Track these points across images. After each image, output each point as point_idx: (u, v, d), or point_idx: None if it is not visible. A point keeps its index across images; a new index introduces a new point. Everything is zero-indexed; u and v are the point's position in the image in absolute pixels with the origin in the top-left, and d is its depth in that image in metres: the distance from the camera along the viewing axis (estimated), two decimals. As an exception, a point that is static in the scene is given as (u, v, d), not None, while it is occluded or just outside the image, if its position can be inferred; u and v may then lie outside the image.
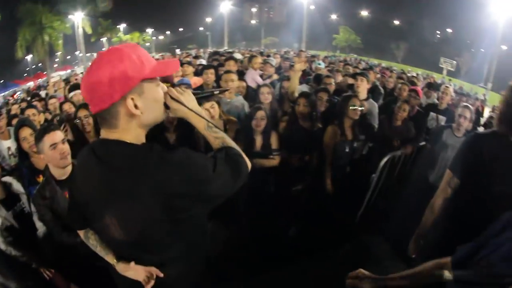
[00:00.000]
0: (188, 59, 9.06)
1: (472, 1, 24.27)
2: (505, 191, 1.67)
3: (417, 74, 17.98)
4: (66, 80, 10.89)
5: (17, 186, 2.58)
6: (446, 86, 5.02)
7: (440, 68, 27.47)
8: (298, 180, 3.59)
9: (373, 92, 5.03)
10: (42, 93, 9.69)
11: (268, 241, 3.38)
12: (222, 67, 5.32)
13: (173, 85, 1.64)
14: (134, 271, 1.31)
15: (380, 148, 4.06)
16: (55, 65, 31.98)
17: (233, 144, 1.36)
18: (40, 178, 2.73)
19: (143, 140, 1.24)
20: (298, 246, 3.44)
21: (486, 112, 13.72)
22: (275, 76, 5.40)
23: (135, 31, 39.67)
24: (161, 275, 1.29)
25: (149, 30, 42.98)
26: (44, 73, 27.56)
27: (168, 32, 48.17)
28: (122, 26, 38.86)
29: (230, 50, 18.04)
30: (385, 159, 3.84)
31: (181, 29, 49.92)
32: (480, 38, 27.15)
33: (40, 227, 2.47)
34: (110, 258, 1.38)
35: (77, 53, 31.41)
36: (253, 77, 5.18)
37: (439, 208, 2.13)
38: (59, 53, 29.03)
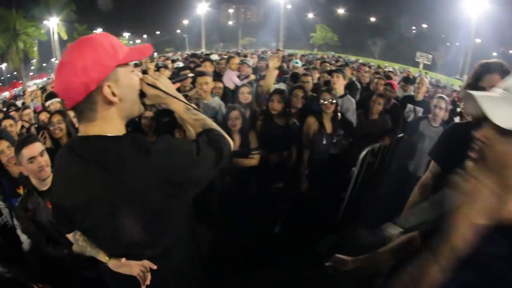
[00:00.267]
0: (168, 61, 8.98)
1: (446, -3, 25.18)
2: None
3: (394, 69, 18.25)
4: (43, 89, 10.61)
5: None
6: (422, 78, 5.14)
7: (417, 63, 28.03)
8: (278, 178, 3.60)
9: (350, 88, 5.08)
10: (19, 103, 9.44)
11: (254, 241, 3.36)
12: (200, 67, 5.28)
13: None
14: (127, 266, 1.28)
15: (359, 142, 4.10)
16: (31, 73, 31.23)
17: (214, 125, 1.37)
18: (21, 190, 2.68)
19: (124, 131, 1.21)
20: (284, 244, 3.44)
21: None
22: (252, 76, 5.40)
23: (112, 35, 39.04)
24: (155, 267, 1.27)
25: (126, 34, 42.38)
26: (20, 82, 26.70)
27: (145, 36, 47.47)
28: (98, 31, 38.31)
29: (208, 52, 17.95)
30: (364, 152, 3.90)
31: (158, 32, 49.35)
32: (455, 33, 28.01)
33: (25, 240, 2.39)
34: (102, 257, 1.34)
35: (53, 60, 30.67)
36: (231, 78, 5.17)
37: (424, 190, 2.24)
38: (34, 61, 28.34)
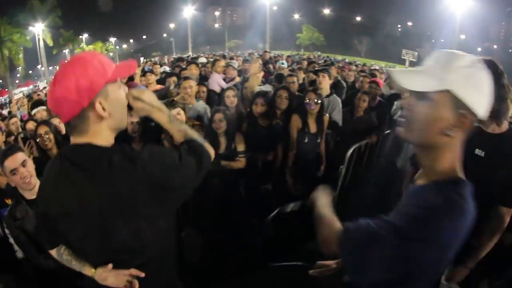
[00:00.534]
0: (156, 66, 8.91)
1: (430, -5, 25.56)
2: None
3: (380, 67, 18.42)
4: (29, 96, 10.47)
5: None
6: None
7: (403, 60, 28.36)
8: (266, 179, 3.62)
9: (335, 87, 5.13)
10: (5, 112, 9.32)
11: (245, 243, 3.35)
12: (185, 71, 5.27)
13: None
14: (114, 276, 1.29)
15: (346, 140, 4.13)
16: (17, 81, 30.77)
17: (195, 135, 1.44)
18: (9, 201, 2.65)
19: (113, 142, 1.29)
20: (275, 245, 3.43)
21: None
22: (238, 79, 5.39)
23: (98, 40, 38.90)
24: (142, 275, 1.29)
25: (112, 39, 42.19)
26: (6, 90, 26.16)
27: (131, 41, 47.37)
28: (84, 37, 37.96)
29: (195, 56, 17.91)
30: (351, 150, 3.91)
31: (144, 37, 49.25)
32: (440, 29, 28.47)
33: (18, 248, 2.38)
34: (88, 270, 1.35)
35: (39, 67, 30.31)
36: (216, 81, 5.17)
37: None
38: (20, 68, 27.96)
